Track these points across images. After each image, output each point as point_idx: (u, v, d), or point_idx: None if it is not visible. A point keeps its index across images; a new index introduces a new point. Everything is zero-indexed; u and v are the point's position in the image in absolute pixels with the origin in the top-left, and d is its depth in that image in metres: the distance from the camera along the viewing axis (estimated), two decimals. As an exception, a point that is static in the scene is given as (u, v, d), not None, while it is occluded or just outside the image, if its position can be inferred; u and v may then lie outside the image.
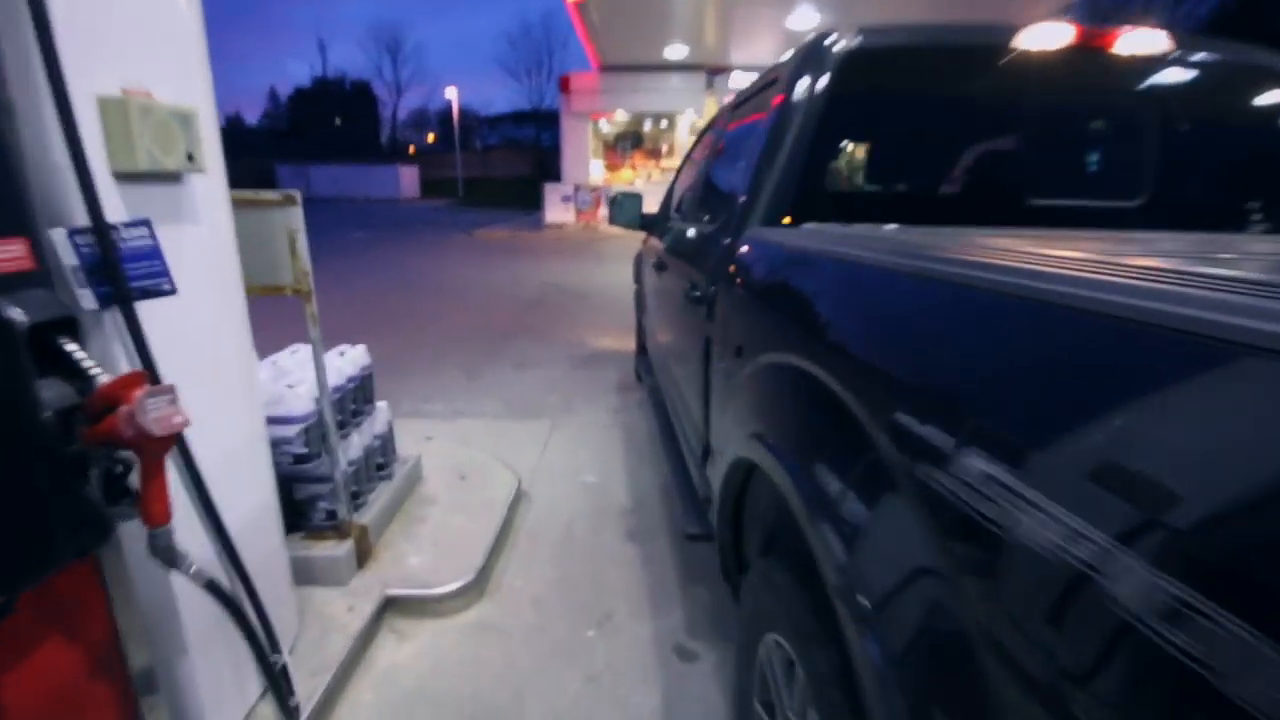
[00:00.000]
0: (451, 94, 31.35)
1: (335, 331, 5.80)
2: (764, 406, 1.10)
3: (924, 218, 1.47)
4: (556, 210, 14.92)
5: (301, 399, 1.77)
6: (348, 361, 2.08)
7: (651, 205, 3.45)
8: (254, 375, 1.54)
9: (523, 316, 6.21)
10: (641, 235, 3.70)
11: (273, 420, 1.73)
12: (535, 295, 7.37)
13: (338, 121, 55.30)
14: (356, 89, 58.19)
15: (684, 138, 16.35)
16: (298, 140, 51.62)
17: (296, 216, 1.68)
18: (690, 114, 15.80)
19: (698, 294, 1.69)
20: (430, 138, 58.46)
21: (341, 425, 1.98)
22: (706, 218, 2.19)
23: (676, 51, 13.54)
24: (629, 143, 17.99)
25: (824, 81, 1.44)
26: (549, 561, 2.13)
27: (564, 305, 6.84)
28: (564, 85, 15.87)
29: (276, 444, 1.75)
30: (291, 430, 1.75)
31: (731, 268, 1.47)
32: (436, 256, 11.11)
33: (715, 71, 14.92)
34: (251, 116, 68.87)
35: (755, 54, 13.76)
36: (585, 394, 3.95)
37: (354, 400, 2.07)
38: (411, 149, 54.54)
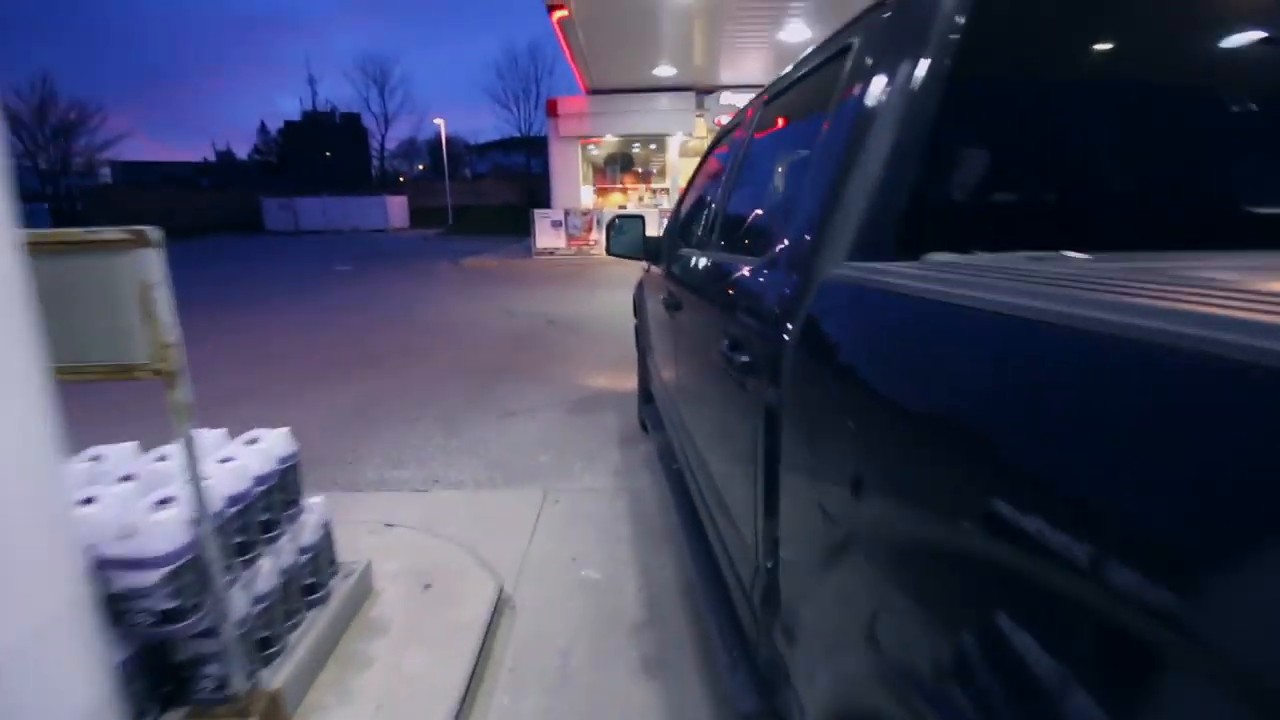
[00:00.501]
0: (439, 123, 31.13)
1: (301, 377, 5.24)
2: (942, 631, 0.55)
3: (1100, 240, 0.94)
4: (547, 236, 14.48)
5: (167, 529, 1.21)
6: (258, 455, 1.52)
7: (649, 228, 2.94)
8: (67, 509, 0.99)
9: (511, 353, 5.67)
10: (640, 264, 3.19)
11: (118, 565, 1.17)
12: (525, 328, 6.84)
13: (328, 154, 55.25)
14: (346, 121, 58.24)
15: (675, 159, 16.01)
16: (288, 173, 51.49)
17: (151, 263, 1.14)
18: (680, 136, 15.49)
19: (746, 359, 1.15)
20: (420, 167, 58.42)
21: (244, 549, 1.42)
22: (733, 246, 1.66)
23: (665, 72, 13.23)
24: (618, 166, 17.65)
25: (943, 43, 0.92)
26: (541, 718, 1.56)
27: (556, 339, 6.30)
28: (551, 109, 15.54)
29: (127, 599, 1.18)
30: (151, 577, 1.19)
31: (808, 327, 0.93)
32: (422, 288, 10.59)
33: (705, 91, 14.63)
34: (243, 151, 68.87)
35: (745, 72, 13.47)
36: (582, 450, 3.39)
37: (267, 509, 1.51)
38: (401, 179, 54.48)
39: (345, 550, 1.95)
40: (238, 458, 1.48)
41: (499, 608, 1.94)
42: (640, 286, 3.52)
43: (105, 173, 46.74)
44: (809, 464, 0.87)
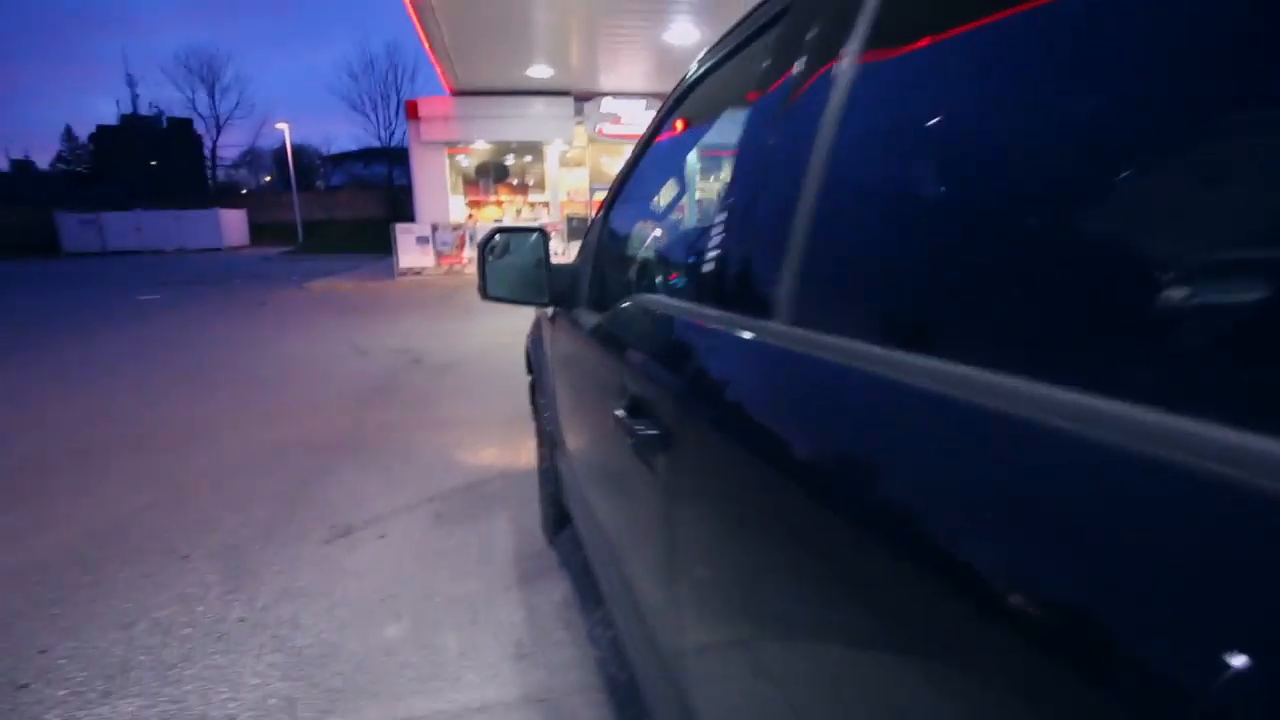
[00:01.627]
0: (283, 128, 27.65)
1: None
2: None
3: None
4: (412, 254, 12.73)
5: None
6: None
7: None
8: None
9: (358, 414, 4.21)
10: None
11: None
12: (381, 373, 5.34)
13: (153, 163, 48.42)
14: (174, 127, 51.36)
15: (554, 170, 14.81)
16: (104, 185, 44.35)
17: None
18: (559, 144, 14.32)
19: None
20: (266, 179, 52.76)
21: None
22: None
23: (540, 73, 12.05)
24: (491, 176, 16.16)
25: None
26: None
27: (422, 387, 4.89)
28: (412, 111, 13.82)
29: None
30: None
31: None
32: (250, 323, 8.61)
33: (584, 98, 13.61)
34: (45, 160, 58.50)
35: (627, 78, 12.61)
36: (460, 603, 2.11)
37: None
38: (244, 191, 48.93)
39: None
40: None
41: None
42: (538, 338, 2.32)
43: None
44: None
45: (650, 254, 1.38)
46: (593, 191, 14.73)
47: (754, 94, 0.88)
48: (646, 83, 12.81)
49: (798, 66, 0.76)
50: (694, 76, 1.17)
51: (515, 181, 16.09)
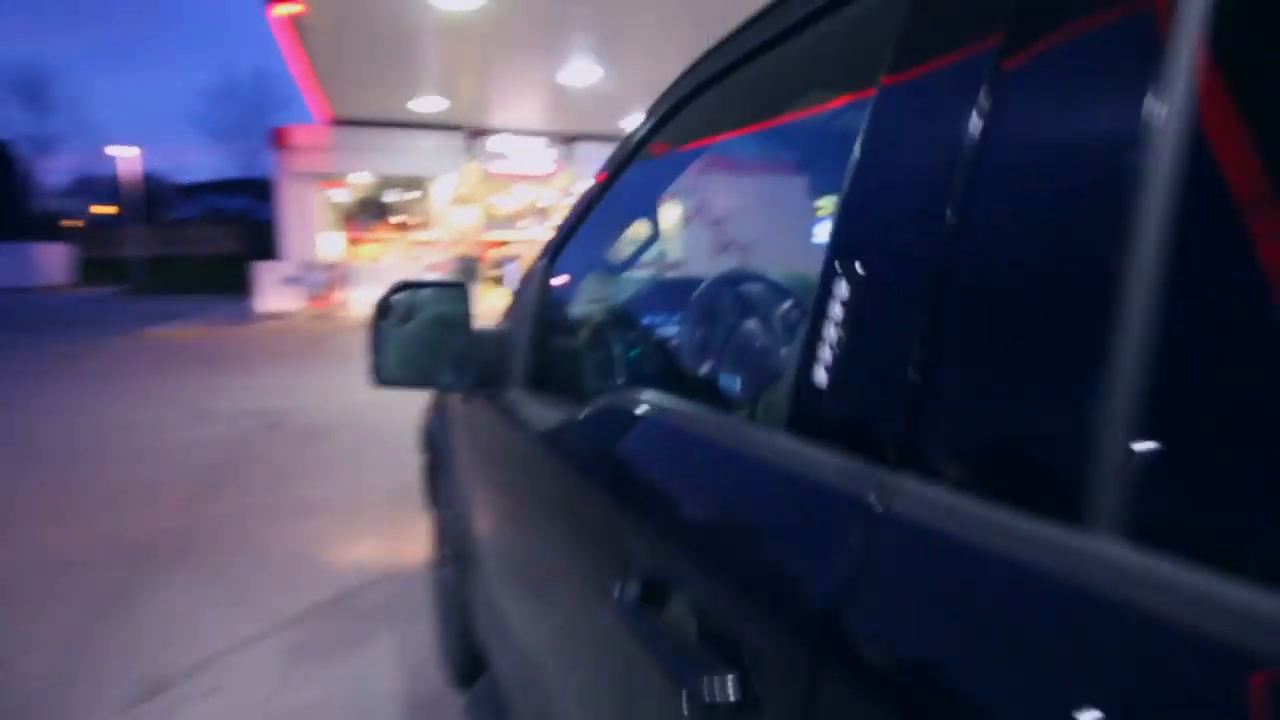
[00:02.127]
0: (120, 153, 24.55)
1: None
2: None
3: None
4: (275, 296, 11.41)
5: None
6: None
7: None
8: None
9: (193, 501, 3.34)
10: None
11: None
12: (228, 444, 4.41)
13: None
14: (-12, 148, 44.44)
15: (443, 207, 13.99)
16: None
17: None
18: (448, 179, 13.57)
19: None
20: (108, 210, 46.86)
21: None
22: None
23: (428, 105, 11.38)
24: (372, 213, 15.03)
25: None
26: None
27: (279, 461, 4.05)
28: (280, 139, 12.59)
29: None
30: None
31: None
32: (56, 383, 7.11)
33: (476, 134, 13.06)
34: None
35: (521, 115, 12.25)
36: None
37: None
38: (79, 222, 43.03)
39: None
40: None
41: None
42: (442, 415, 1.78)
43: None
44: None
45: (657, 329, 0.93)
46: (486, 231, 14.11)
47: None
48: (541, 120, 12.52)
49: None
50: (710, 72, 0.76)
51: (399, 218, 15.07)
